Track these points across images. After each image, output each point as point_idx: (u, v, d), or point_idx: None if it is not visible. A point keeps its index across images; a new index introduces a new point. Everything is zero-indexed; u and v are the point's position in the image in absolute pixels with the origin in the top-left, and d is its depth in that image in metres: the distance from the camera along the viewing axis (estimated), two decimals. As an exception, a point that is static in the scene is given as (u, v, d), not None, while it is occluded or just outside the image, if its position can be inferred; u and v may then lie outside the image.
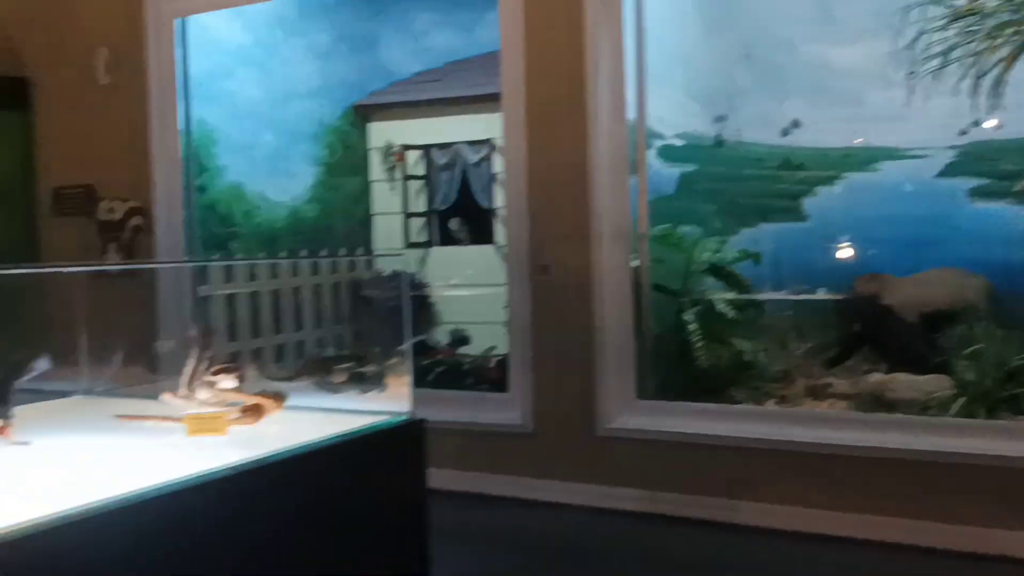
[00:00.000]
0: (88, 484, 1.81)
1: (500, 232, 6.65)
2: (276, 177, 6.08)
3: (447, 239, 6.85)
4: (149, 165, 5.28)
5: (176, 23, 5.25)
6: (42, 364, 2.04)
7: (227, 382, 2.31)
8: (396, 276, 6.73)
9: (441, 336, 6.26)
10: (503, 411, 4.45)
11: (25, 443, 2.04)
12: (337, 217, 6.61)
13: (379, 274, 6.75)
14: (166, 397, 2.38)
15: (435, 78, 6.82)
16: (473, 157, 6.66)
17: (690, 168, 5.22)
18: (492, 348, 5.52)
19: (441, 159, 6.79)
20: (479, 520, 4.08)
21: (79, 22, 5.45)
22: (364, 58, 6.64)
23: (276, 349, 6.00)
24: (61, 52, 5.52)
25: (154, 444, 2.22)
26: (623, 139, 4.14)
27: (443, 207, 6.89)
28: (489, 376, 5.21)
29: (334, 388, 2.71)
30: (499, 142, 6.58)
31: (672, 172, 5.11)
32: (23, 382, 2.04)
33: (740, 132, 5.56)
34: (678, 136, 5.17)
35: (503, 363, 5.36)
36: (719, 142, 5.41)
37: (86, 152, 5.51)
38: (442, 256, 6.77)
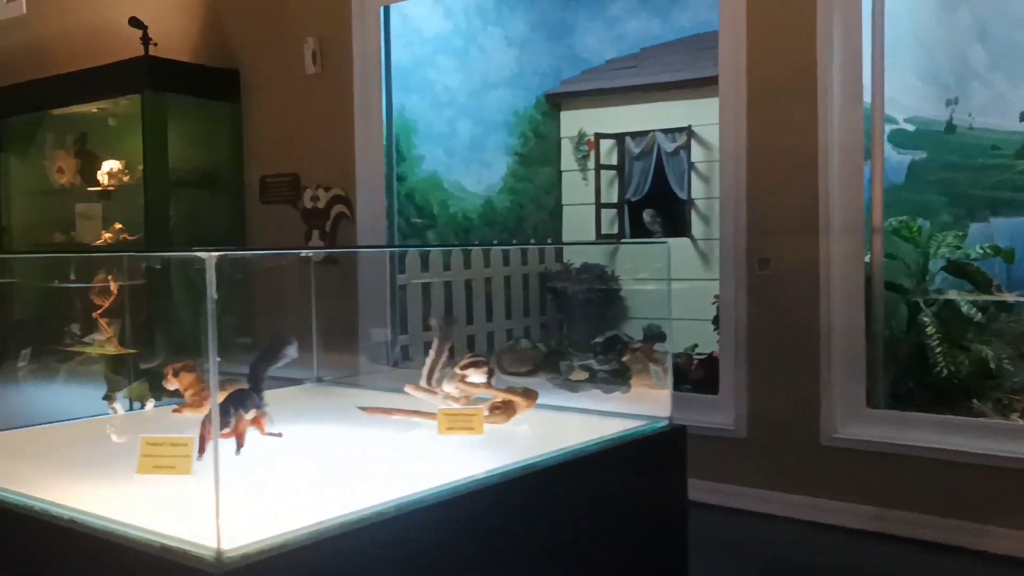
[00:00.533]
0: (364, 483, 1.75)
1: (696, 224, 6.37)
2: (471, 167, 6.04)
3: (639, 231, 6.63)
4: (352, 154, 5.33)
5: (380, 12, 5.27)
6: (291, 351, 1.98)
7: (476, 376, 2.20)
8: (587, 268, 6.61)
9: (632, 332, 6.06)
10: (711, 413, 4.20)
11: (278, 435, 1.99)
12: (528, 208, 6.51)
13: (569, 266, 6.61)
14: (410, 389, 2.29)
15: (629, 65, 6.61)
16: (669, 146, 6.41)
17: (920, 155, 4.78)
18: (694, 346, 5.27)
19: (635, 148, 6.57)
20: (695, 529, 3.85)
21: (288, 13, 5.57)
22: (558, 46, 6.51)
23: (468, 340, 5.96)
24: (270, 43, 5.66)
25: (409, 441, 2.13)
26: (859, 122, 3.79)
27: (636, 198, 6.67)
28: (692, 375, 4.96)
29: (572, 386, 2.56)
30: (700, 129, 6.34)
31: (901, 160, 4.69)
32: (275, 369, 1.98)
33: (972, 117, 5.06)
34: (908, 121, 4.74)
35: (706, 362, 5.10)
36: (950, 127, 4.94)
37: (292, 141, 5.63)
38: (633, 248, 6.56)
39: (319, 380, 2.77)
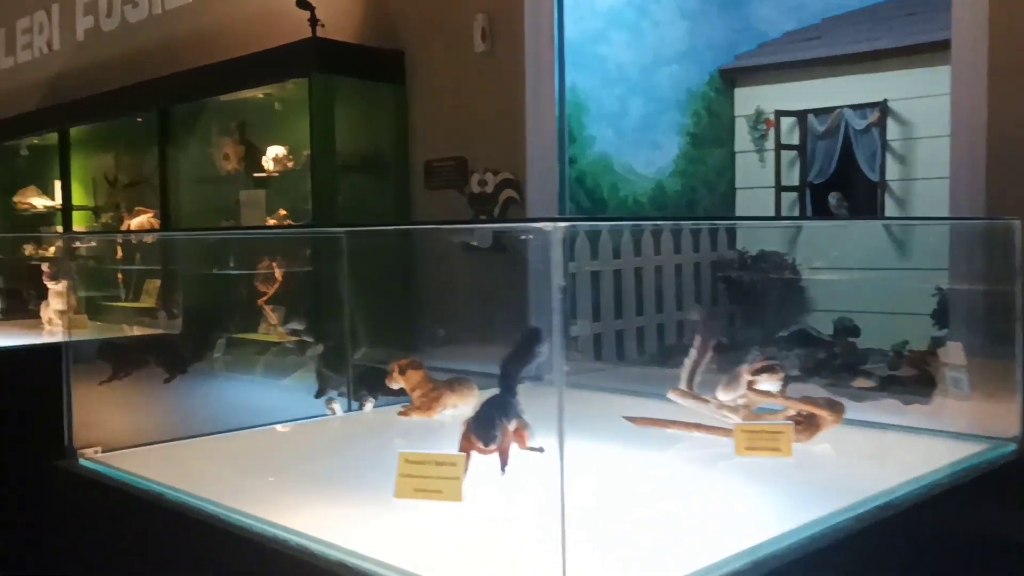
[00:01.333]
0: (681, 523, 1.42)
1: (890, 208, 5.83)
2: (642, 148, 5.70)
3: (823, 215, 6.13)
4: (523, 136, 5.06)
5: (553, -15, 4.98)
6: (544, 348, 1.70)
7: (769, 383, 1.87)
8: (764, 256, 6.16)
9: (819, 325, 5.58)
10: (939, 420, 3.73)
11: (539, 450, 1.71)
12: (700, 191, 6.12)
13: (744, 253, 6.18)
14: (675, 396, 1.98)
15: (811, 36, 6.10)
16: (859, 123, 5.88)
17: None
18: (904, 343, 4.76)
19: (819, 126, 6.06)
20: None
21: (456, -10, 5.35)
22: (733, 18, 6.07)
23: (638, 332, 5.62)
24: (437, 21, 5.45)
25: (711, 461, 1.80)
26: None
27: (820, 180, 6.17)
28: (903, 376, 4.47)
29: (857, 394, 2.20)
30: (896, 104, 5.79)
31: None
32: (530, 369, 1.70)
33: None
34: None
35: (917, 360, 4.60)
36: None
37: (458, 124, 5.42)
38: (816, 234, 6.07)
39: (537, 379, 2.48)
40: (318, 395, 2.16)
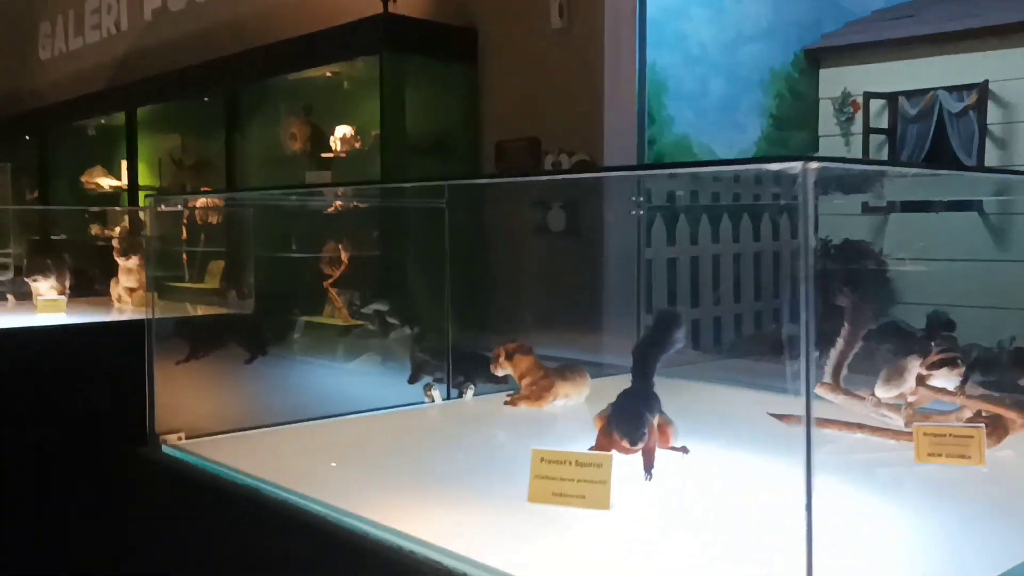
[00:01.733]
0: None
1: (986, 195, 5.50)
2: (723, 130, 5.45)
3: (912, 203, 5.82)
4: (601, 116, 4.86)
5: (634, -42, 4.76)
6: (681, 334, 1.51)
7: (946, 379, 1.66)
8: (849, 245, 5.87)
9: (909, 318, 5.30)
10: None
11: (683, 449, 1.53)
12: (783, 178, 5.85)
13: (827, 241, 5.90)
14: (824, 392, 1.78)
15: (904, 14, 5.78)
16: (955, 105, 5.56)
17: None
18: (1012, 338, 4.48)
19: (911, 109, 5.75)
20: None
21: (532, -36, 5.15)
22: (819, -6, 5.78)
23: (714, 322, 5.40)
24: (512, -2, 5.27)
25: (884, 467, 1.58)
26: None
27: (910, 166, 5.86)
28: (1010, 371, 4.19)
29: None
30: (998, 86, 5.46)
31: None
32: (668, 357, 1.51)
33: None
34: None
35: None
36: None
37: (532, 103, 5.23)
38: (904, 223, 5.77)
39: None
40: (412, 380, 2.00)
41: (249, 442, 1.78)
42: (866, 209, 5.84)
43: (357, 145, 5.87)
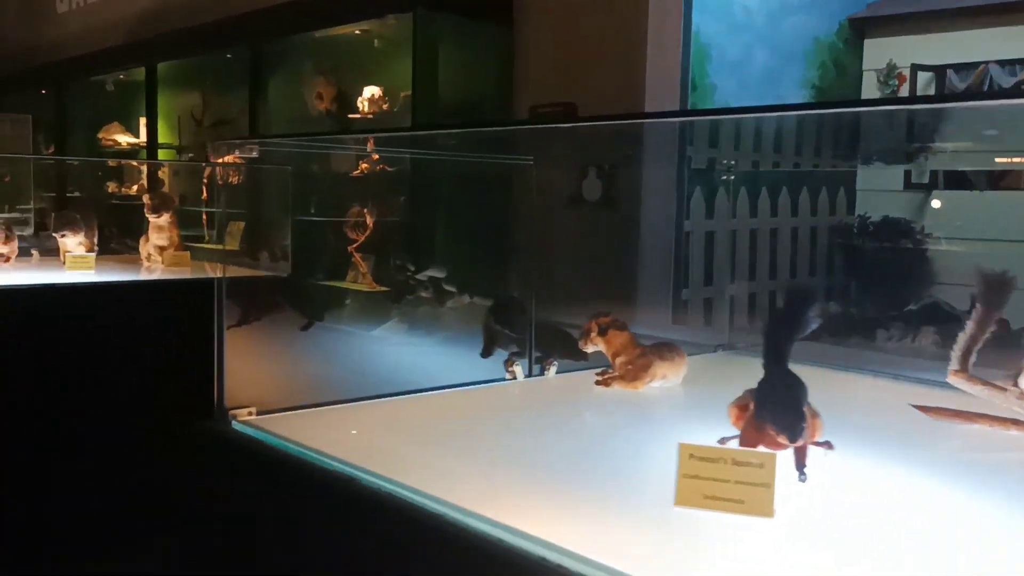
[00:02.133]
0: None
1: (1037, 176, 5.33)
2: (765, 101, 5.27)
3: (956, 181, 5.65)
4: (643, 82, 4.68)
5: (682, -85, 4.57)
6: (815, 314, 1.35)
7: None
8: (888, 222, 5.72)
9: (950, 298, 5.15)
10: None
11: (827, 445, 1.36)
12: (823, 152, 5.67)
13: (866, 219, 5.75)
14: (958, 380, 1.63)
15: (955, -17, 5.57)
16: (1007, 79, 5.37)
17: None
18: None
19: (960, 83, 5.56)
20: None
21: (573, -79, 4.96)
22: (867, -40, 5.57)
23: (750, 299, 5.25)
24: (551, -44, 5.08)
25: None
26: None
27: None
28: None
29: None
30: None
31: None
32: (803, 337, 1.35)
33: None
34: None
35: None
36: None
37: (569, 67, 5.05)
38: (949, 201, 5.60)
39: (726, 347, 2.10)
40: (485, 353, 1.85)
41: (323, 420, 1.62)
42: (909, 185, 5.67)
43: (385, 107, 5.71)
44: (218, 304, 1.61)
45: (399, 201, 5.55)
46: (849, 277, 5.62)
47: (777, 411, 1.23)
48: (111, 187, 8.25)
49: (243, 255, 6.00)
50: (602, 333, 1.63)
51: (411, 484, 1.23)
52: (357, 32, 5.67)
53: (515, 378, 1.84)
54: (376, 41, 5.58)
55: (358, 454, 1.34)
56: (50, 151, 8.80)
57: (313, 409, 1.64)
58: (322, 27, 5.75)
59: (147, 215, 3.11)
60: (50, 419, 2.85)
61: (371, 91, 5.70)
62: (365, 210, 5.82)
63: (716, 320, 2.21)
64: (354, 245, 5.83)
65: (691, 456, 1.13)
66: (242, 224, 6.78)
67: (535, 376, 1.90)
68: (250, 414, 1.61)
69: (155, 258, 3.16)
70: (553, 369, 1.88)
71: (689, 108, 4.83)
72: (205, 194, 6.89)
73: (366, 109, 5.73)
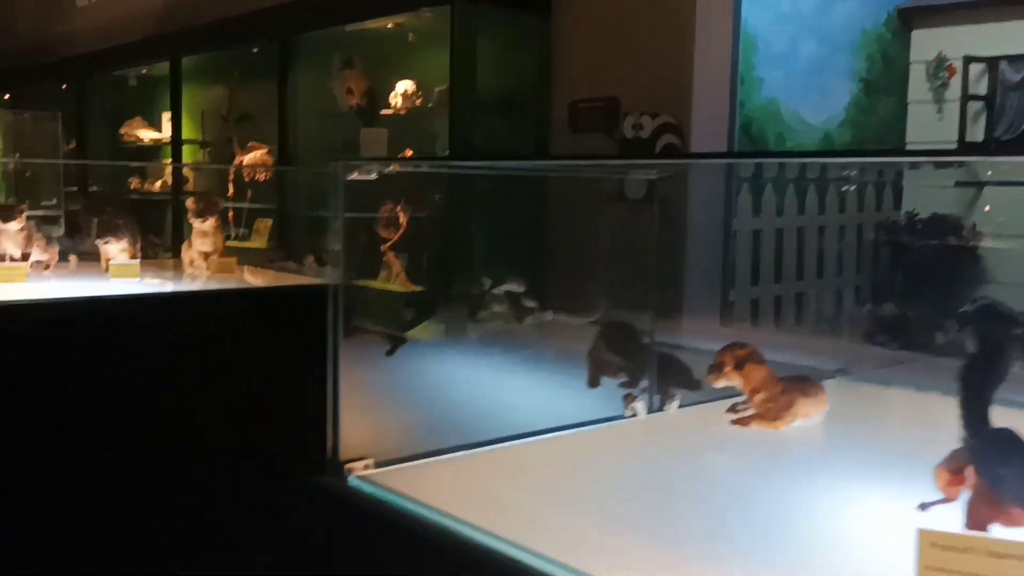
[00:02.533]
0: None
1: (1096, 171, 5.15)
2: (811, 94, 5.11)
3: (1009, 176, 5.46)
4: (690, 75, 4.53)
5: (732, -97, 4.40)
6: (1015, 353, 1.20)
7: None
8: (937, 220, 5.54)
9: (1007, 299, 4.98)
10: None
11: None
12: (870, 146, 5.51)
13: (913, 216, 5.57)
14: None
15: (1007, -28, 5.38)
16: (1063, 72, 5.19)
17: None
18: None
19: (1013, 75, 5.38)
20: None
21: (615, -92, 4.80)
22: (916, -52, 5.38)
23: (796, 298, 5.10)
24: (593, -56, 4.93)
25: None
26: None
27: (1009, 135, 5.51)
28: None
29: None
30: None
31: None
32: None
33: None
34: None
35: None
36: None
37: (611, 60, 4.90)
38: (1003, 196, 5.42)
39: (844, 373, 1.91)
40: (592, 383, 1.68)
41: (442, 472, 1.42)
42: (960, 182, 5.49)
43: (418, 102, 5.57)
44: (333, 336, 1.38)
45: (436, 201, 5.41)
46: (886, 274, 5.48)
47: (1016, 479, 1.07)
48: (133, 183, 8.14)
49: (260, 255, 5.89)
50: (739, 367, 1.49)
51: (553, 556, 1.07)
52: (390, 26, 5.53)
53: (635, 415, 1.66)
54: (410, 35, 5.43)
55: (488, 514, 1.17)
56: (71, 146, 8.69)
57: (428, 460, 1.43)
58: (354, 20, 5.61)
59: (191, 220, 2.98)
60: (129, 466, 2.62)
61: (404, 86, 5.56)
62: (399, 207, 5.69)
63: (820, 338, 2.05)
64: (387, 244, 5.71)
65: (934, 545, 0.97)
66: (270, 221, 6.69)
67: (655, 411, 1.71)
68: (367, 467, 1.42)
69: (198, 264, 3.02)
70: (675, 404, 1.70)
71: (738, 102, 4.66)
72: (232, 191, 6.77)
73: (399, 104, 5.59)
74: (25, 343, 2.38)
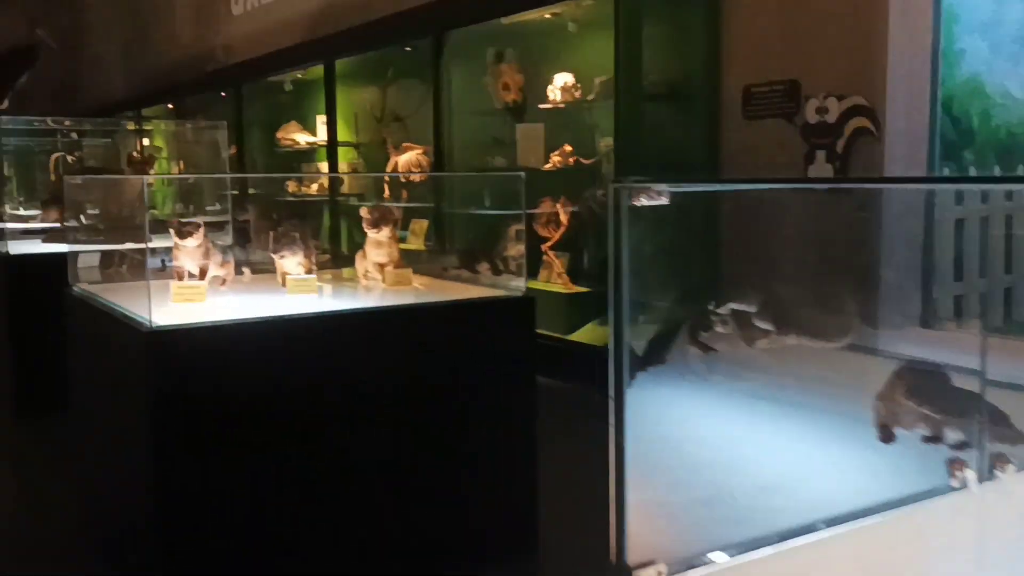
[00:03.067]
0: None
1: None
2: (1020, 65, 4.57)
3: None
4: (883, 51, 4.12)
5: None
6: None
7: None
8: None
9: None
10: None
11: None
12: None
13: None
14: None
15: None
16: None
17: None
18: None
19: None
20: None
21: None
22: None
23: (954, 301, 4.60)
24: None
25: None
26: None
27: None
28: None
29: None
30: None
31: None
32: None
33: None
34: None
35: None
36: None
37: (790, 40, 4.53)
38: None
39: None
40: (885, 438, 1.37)
41: None
42: None
43: (577, 94, 5.34)
44: (616, 395, 1.01)
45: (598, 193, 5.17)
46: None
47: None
48: (290, 186, 8.26)
49: (417, 257, 5.77)
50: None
51: None
52: (547, 16, 5.30)
53: (964, 485, 1.32)
54: (570, 24, 5.19)
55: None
56: (232, 151, 8.91)
57: (727, 562, 1.11)
58: (509, 13, 5.42)
59: (366, 229, 2.84)
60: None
61: (563, 78, 5.34)
62: (558, 204, 5.47)
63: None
64: (547, 244, 5.51)
65: None
66: (426, 222, 6.61)
67: (987, 480, 1.36)
68: (659, 574, 1.06)
69: (372, 275, 2.88)
70: (1010, 468, 1.35)
71: (940, 79, 4.20)
72: (388, 192, 6.74)
73: (558, 98, 5.37)
74: (225, 365, 2.28)
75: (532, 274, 5.58)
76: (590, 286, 5.28)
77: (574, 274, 5.43)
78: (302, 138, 8.06)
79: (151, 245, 2.50)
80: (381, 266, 2.90)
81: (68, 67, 13.20)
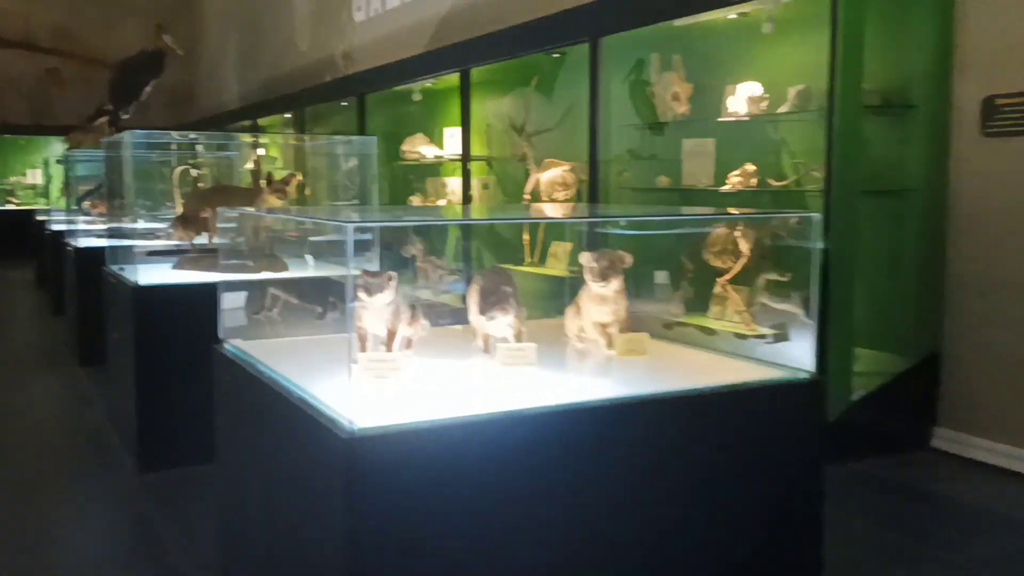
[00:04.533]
0: None
1: None
2: None
3: None
4: None
5: None
6: None
7: None
8: None
9: None
10: None
11: None
12: None
13: None
14: None
15: None
16: None
17: None
18: None
19: None
20: None
21: None
22: None
23: None
24: None
25: None
26: None
27: None
28: None
29: None
30: None
31: None
32: None
33: None
34: None
35: None
36: None
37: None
38: None
39: None
40: None
41: None
42: None
43: (763, 106, 4.62)
44: None
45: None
46: None
47: None
48: (415, 200, 7.76)
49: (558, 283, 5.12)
50: None
51: None
52: (732, 16, 4.61)
53: None
54: (764, 25, 4.47)
55: None
56: (351, 164, 8.44)
57: None
58: (679, 16, 4.74)
59: (589, 280, 2.21)
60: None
61: (749, 88, 4.62)
62: (737, 233, 4.79)
63: None
64: (725, 277, 4.82)
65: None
66: (569, 245, 5.96)
67: None
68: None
69: (591, 338, 2.25)
70: None
71: None
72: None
73: (740, 110, 4.66)
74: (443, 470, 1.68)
75: (702, 309, 4.90)
76: (777, 328, 4.55)
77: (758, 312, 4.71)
78: (429, 151, 7.53)
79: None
80: (604, 326, 2.26)
81: (184, 76, 13.06)
